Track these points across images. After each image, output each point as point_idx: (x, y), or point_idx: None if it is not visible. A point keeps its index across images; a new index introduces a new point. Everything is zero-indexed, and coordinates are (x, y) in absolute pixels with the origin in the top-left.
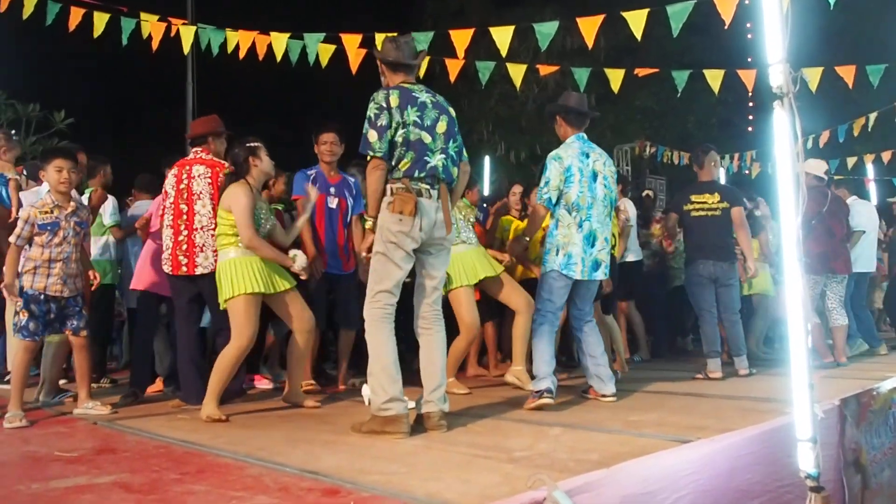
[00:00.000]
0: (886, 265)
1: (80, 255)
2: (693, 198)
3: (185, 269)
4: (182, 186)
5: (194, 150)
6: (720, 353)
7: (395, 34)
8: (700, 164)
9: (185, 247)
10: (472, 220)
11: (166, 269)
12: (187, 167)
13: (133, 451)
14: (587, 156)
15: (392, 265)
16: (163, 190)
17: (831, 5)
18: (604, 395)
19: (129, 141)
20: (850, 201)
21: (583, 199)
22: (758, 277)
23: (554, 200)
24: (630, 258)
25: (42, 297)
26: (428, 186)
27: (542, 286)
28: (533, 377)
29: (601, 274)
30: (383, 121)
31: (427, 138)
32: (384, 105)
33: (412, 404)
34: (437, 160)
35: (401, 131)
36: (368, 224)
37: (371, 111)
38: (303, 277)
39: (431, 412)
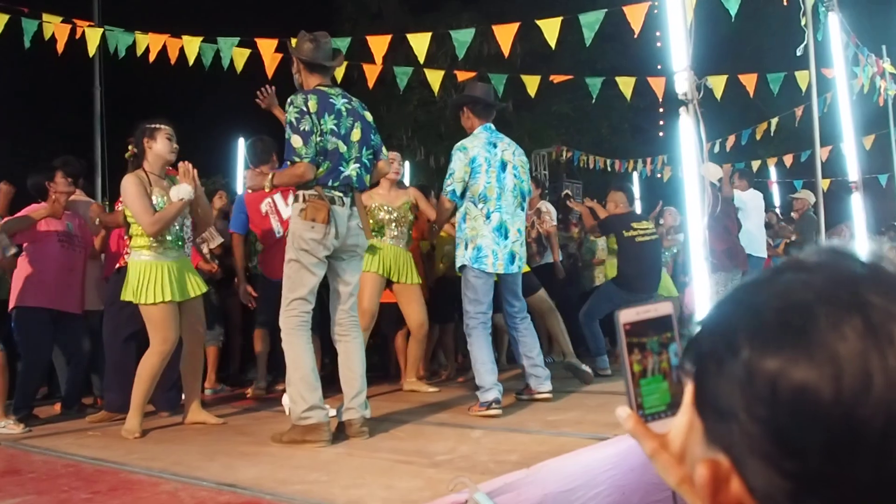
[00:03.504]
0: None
1: None
2: (634, 225)
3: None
4: None
5: None
6: (606, 351)
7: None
8: (630, 202)
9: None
10: (410, 219)
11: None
12: None
13: (40, 471)
14: (494, 146)
15: (305, 272)
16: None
17: (732, 16)
18: (540, 393)
19: (35, 146)
20: (749, 193)
21: (490, 190)
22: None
23: (459, 192)
24: (545, 260)
25: None
26: (341, 194)
27: (463, 286)
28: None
29: (517, 266)
30: (306, 125)
31: (343, 147)
32: (304, 109)
33: (333, 412)
34: (351, 169)
35: (318, 139)
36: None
37: (291, 115)
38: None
39: (353, 419)
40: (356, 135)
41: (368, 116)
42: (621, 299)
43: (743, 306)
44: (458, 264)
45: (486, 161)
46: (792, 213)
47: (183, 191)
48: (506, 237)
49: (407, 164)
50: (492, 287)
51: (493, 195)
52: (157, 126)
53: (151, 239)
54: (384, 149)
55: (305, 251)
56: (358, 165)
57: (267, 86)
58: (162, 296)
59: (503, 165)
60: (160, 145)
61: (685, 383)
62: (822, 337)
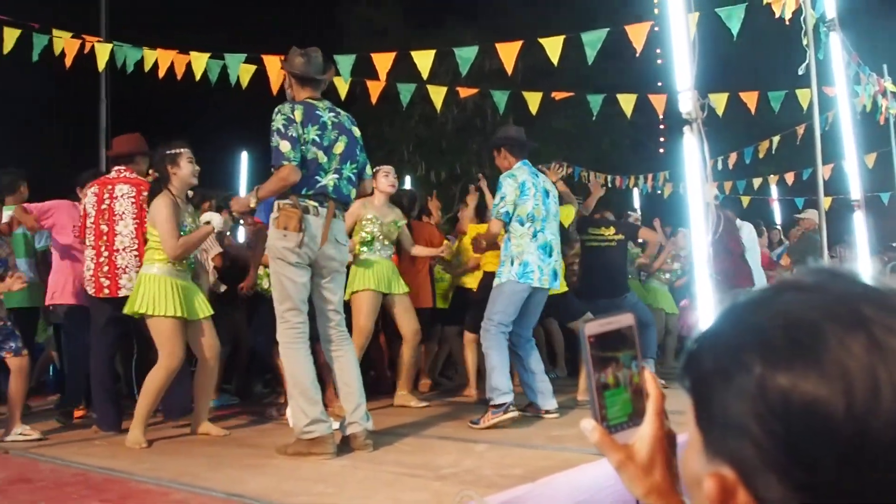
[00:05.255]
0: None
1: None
2: (590, 230)
3: (107, 290)
4: (104, 206)
5: (117, 168)
6: None
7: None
8: (591, 204)
9: (106, 268)
10: (394, 236)
11: (89, 289)
12: (110, 186)
13: (48, 479)
14: (537, 175)
15: (287, 280)
16: (82, 209)
17: (734, 35)
18: (547, 412)
19: (40, 159)
20: (745, 228)
21: (538, 212)
22: (662, 295)
23: (511, 214)
24: None
25: None
26: (316, 204)
27: (494, 298)
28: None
29: (558, 283)
30: (293, 132)
31: (322, 158)
32: (291, 117)
33: (336, 424)
34: (327, 180)
35: (300, 148)
36: (253, 202)
37: (279, 123)
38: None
39: (356, 433)
40: (339, 147)
41: (356, 132)
42: (584, 308)
43: (745, 325)
44: (501, 280)
45: (534, 185)
46: (793, 230)
47: (215, 219)
48: (550, 255)
49: (408, 178)
50: (522, 302)
51: (540, 216)
52: (179, 151)
53: (164, 255)
54: (368, 167)
55: (281, 260)
56: (336, 177)
57: None
58: (174, 310)
59: (546, 192)
60: (185, 169)
61: (646, 394)
62: (831, 353)
